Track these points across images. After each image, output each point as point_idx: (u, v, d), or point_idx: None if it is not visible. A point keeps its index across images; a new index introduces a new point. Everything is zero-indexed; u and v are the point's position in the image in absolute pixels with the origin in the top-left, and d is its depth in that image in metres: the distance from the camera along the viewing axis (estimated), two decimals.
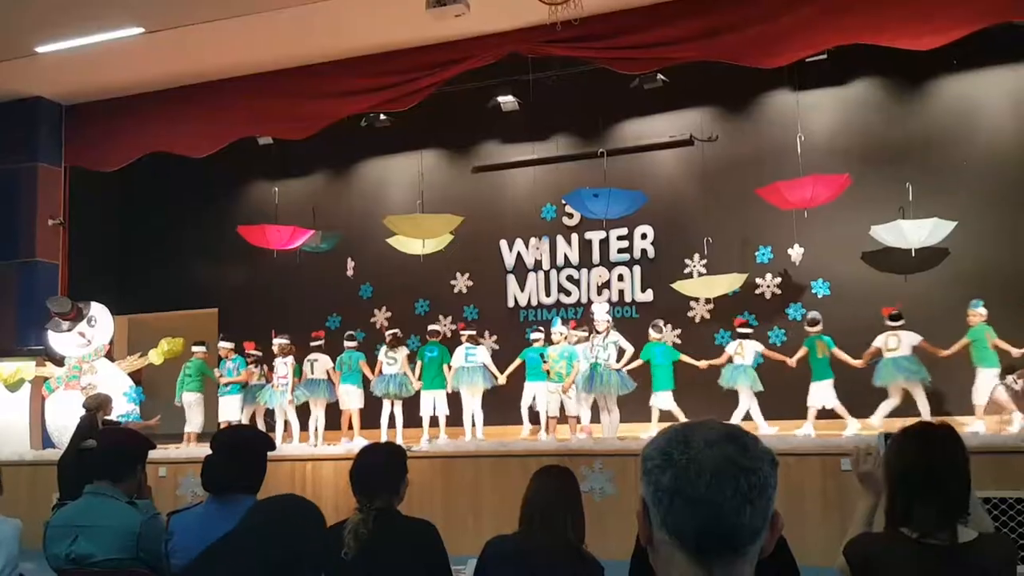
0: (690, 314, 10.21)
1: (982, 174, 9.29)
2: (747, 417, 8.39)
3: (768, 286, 10.08)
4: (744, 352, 8.65)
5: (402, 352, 9.07)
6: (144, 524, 3.04)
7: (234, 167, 11.57)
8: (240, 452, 2.95)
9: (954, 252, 9.21)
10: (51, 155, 10.95)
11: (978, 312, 8.06)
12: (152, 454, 8.48)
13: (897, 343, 8.13)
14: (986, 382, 7.81)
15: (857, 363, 8.28)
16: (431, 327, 9.30)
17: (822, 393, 8.26)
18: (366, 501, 2.87)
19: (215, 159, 10.56)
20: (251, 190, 12.33)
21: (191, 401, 9.53)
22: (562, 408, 8.59)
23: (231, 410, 9.37)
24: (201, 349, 9.69)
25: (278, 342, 9.21)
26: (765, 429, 8.30)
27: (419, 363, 9.05)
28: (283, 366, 9.15)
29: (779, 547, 2.32)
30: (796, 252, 9.61)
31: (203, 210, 12.23)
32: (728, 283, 9.52)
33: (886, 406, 8.09)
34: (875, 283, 9.51)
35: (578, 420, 8.72)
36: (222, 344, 9.63)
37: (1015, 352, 7.96)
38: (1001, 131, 9.43)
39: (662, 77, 9.74)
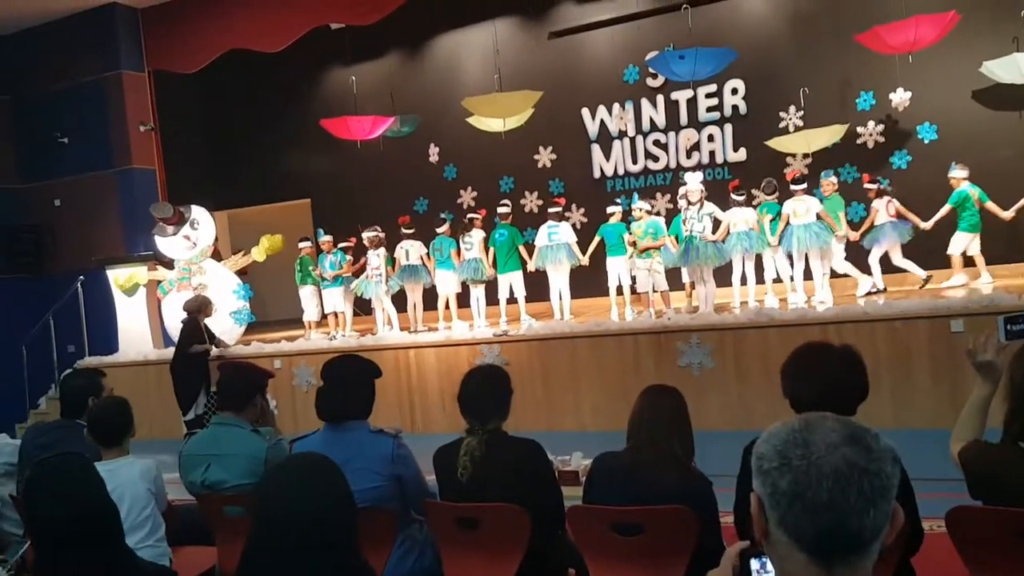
0: (787, 171, 9.80)
1: None
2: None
3: (871, 134, 9.53)
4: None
5: (477, 235, 9.06)
6: (269, 450, 3.25)
7: (310, 58, 11.49)
8: (350, 383, 3.08)
9: None
10: (133, 61, 11.07)
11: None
12: (265, 347, 8.98)
13: (806, 210, 7.92)
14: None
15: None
16: (500, 208, 9.20)
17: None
18: (477, 424, 2.97)
19: (291, 52, 10.46)
20: (329, 79, 12.25)
21: (305, 294, 9.91)
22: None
23: (335, 302, 9.69)
24: (306, 244, 9.97)
25: (367, 235, 9.34)
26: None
27: (491, 249, 9.02)
28: (375, 257, 9.32)
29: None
30: (900, 96, 8.98)
31: (286, 104, 12.29)
32: (828, 135, 9.03)
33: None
34: (987, 122, 8.87)
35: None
36: (324, 238, 9.85)
37: (1004, 215, 7.84)
38: None
39: None
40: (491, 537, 2.87)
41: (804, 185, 8.16)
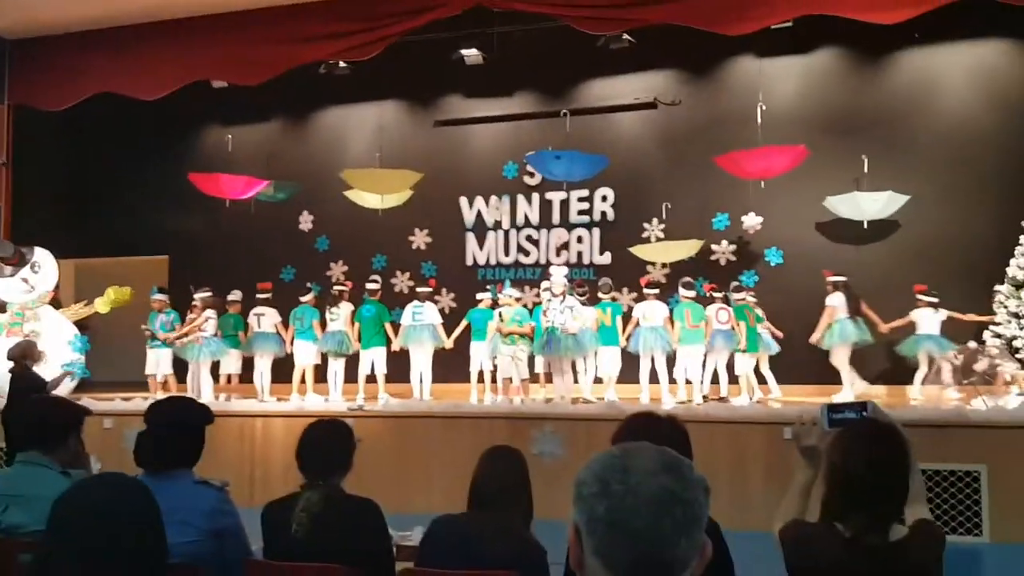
0: (643, 277, 10.25)
1: (937, 149, 9.40)
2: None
3: (724, 252, 10.15)
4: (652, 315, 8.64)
5: (345, 308, 8.96)
6: None
7: (188, 110, 11.19)
8: (177, 427, 2.87)
9: (905, 225, 9.35)
10: None
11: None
12: (97, 405, 8.33)
13: (653, 313, 8.51)
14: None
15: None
16: (368, 285, 9.17)
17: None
18: (314, 479, 2.84)
19: (168, 101, 10.17)
20: (205, 135, 11.96)
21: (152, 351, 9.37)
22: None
23: (157, 364, 9.14)
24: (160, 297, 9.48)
25: (199, 296, 9.02)
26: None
27: (357, 324, 8.91)
28: (205, 320, 9.02)
29: (712, 532, 2.36)
30: (751, 220, 9.67)
31: (155, 154, 11.82)
32: (685, 249, 9.56)
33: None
34: (828, 253, 9.62)
35: (530, 382, 8.76)
36: (156, 296, 9.34)
37: (965, 318, 8.32)
38: (958, 107, 9.53)
39: (628, 38, 9.61)
40: None
41: (656, 291, 8.63)
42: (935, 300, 8.29)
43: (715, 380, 8.63)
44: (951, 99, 9.58)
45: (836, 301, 8.29)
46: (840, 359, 8.31)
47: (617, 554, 1.09)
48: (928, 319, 8.23)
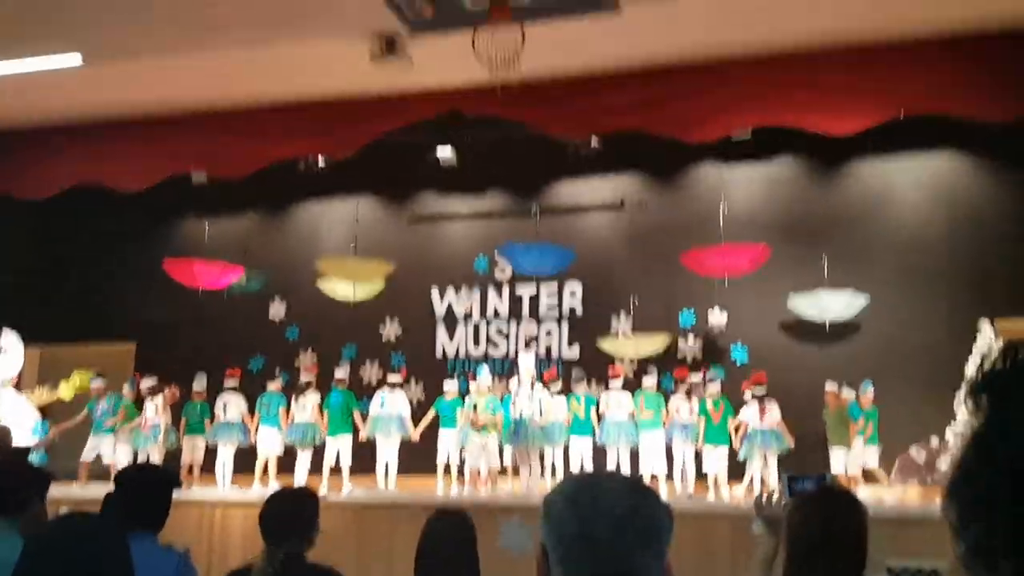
0: (610, 369, 10.32)
1: (893, 253, 9.75)
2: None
3: (690, 347, 10.30)
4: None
5: (313, 398, 8.94)
6: None
7: (165, 200, 11.33)
8: (143, 488, 2.87)
9: (865, 326, 9.58)
10: None
11: (869, 392, 8.70)
12: (54, 491, 8.09)
13: (618, 405, 8.68)
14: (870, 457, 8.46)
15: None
16: (337, 374, 9.18)
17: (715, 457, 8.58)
18: (275, 546, 2.80)
19: (147, 191, 10.31)
20: (181, 224, 12.07)
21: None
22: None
23: (99, 450, 9.06)
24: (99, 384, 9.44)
25: (145, 383, 9.03)
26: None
27: (324, 412, 8.91)
28: (151, 408, 8.93)
29: None
30: (717, 317, 9.87)
31: (129, 240, 11.85)
32: (652, 344, 9.70)
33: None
34: (792, 352, 9.80)
35: (500, 472, 8.69)
36: (96, 383, 9.30)
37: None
38: (912, 214, 9.95)
39: (595, 143, 10.02)
40: None
41: (619, 383, 8.84)
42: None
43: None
44: (905, 206, 10.01)
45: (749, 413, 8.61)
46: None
47: (583, 565, 1.14)
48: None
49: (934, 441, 8.32)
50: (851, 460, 8.47)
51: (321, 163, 10.64)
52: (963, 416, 6.06)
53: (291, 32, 7.81)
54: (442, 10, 6.69)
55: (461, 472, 8.80)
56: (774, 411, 8.58)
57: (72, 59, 8.75)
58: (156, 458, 8.84)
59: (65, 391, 9.51)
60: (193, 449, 9.21)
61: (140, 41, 8.31)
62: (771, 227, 9.97)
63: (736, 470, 8.82)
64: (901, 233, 9.86)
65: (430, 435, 9.02)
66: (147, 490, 2.87)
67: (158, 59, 8.72)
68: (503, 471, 8.82)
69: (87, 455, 9.05)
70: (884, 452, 8.80)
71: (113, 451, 9.07)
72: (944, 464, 8.22)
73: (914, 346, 9.36)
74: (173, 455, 9.21)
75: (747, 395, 8.86)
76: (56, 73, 9.00)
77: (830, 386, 8.76)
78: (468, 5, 6.52)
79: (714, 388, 8.83)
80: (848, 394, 8.74)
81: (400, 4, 6.67)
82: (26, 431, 8.96)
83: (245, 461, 9.18)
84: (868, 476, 8.66)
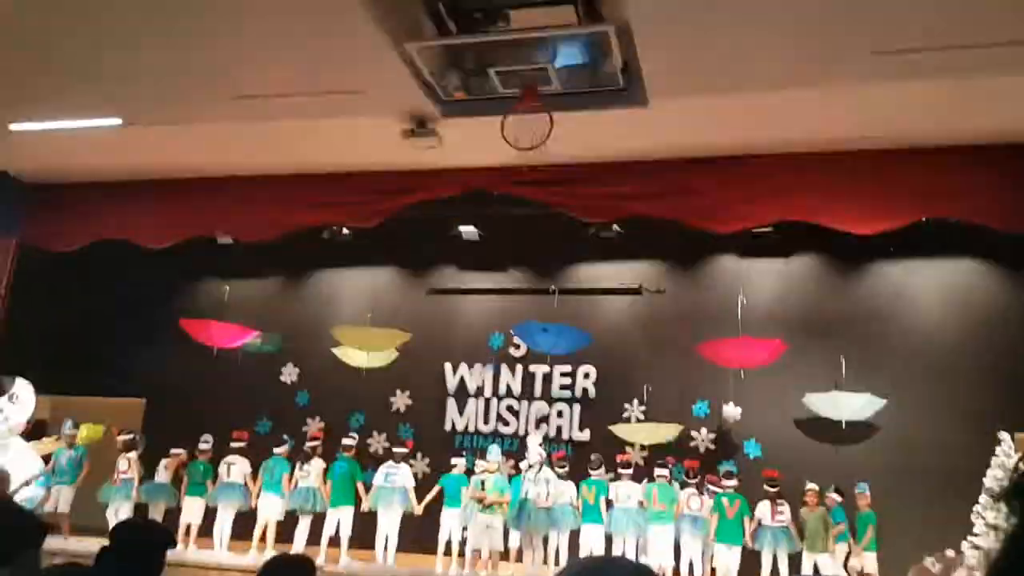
0: (622, 459, 10.18)
1: (912, 357, 9.67)
2: None
3: (703, 439, 10.16)
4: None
5: (317, 465, 8.88)
6: None
7: (188, 260, 11.52)
8: (136, 547, 2.83)
9: (883, 429, 9.44)
10: (7, 224, 10.79)
11: (866, 494, 8.51)
12: (50, 542, 8.00)
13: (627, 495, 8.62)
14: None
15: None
16: (344, 441, 9.14)
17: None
18: None
19: (170, 250, 10.50)
20: (201, 284, 12.23)
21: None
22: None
23: (56, 502, 9.08)
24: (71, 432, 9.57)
25: (121, 438, 9.09)
26: None
27: (328, 481, 8.83)
28: (124, 462, 9.05)
29: None
30: (731, 410, 9.77)
31: (148, 297, 12.01)
32: (665, 432, 9.59)
33: None
34: (807, 449, 9.64)
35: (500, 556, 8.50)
36: (67, 431, 9.57)
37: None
38: (931, 318, 9.90)
39: (617, 228, 10.14)
40: None
41: (630, 471, 8.72)
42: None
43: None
44: (924, 310, 9.98)
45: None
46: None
47: None
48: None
49: (949, 552, 8.06)
50: (834, 566, 8.26)
51: (345, 232, 10.80)
52: (981, 527, 5.92)
53: (326, 110, 8.02)
54: (473, 93, 6.89)
55: (462, 552, 8.62)
56: (786, 510, 8.40)
57: (112, 122, 9.03)
58: (125, 514, 8.85)
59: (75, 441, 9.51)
60: (193, 510, 9.10)
61: (177, 109, 8.55)
62: (789, 322, 9.96)
63: (747, 572, 8.60)
64: (918, 336, 9.80)
65: (432, 512, 8.88)
66: (142, 548, 2.84)
67: (193, 125, 8.99)
68: (505, 555, 8.63)
69: (49, 505, 9.04)
70: (894, 559, 8.53)
71: (67, 504, 9.10)
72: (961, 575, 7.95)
73: (930, 452, 9.18)
74: (171, 514, 9.13)
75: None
76: (95, 135, 9.27)
77: (811, 485, 8.58)
78: (499, 90, 6.71)
79: (730, 483, 8.67)
80: (835, 496, 8.56)
81: (434, 86, 6.88)
82: (30, 479, 8.91)
83: (244, 526, 9.06)
84: None
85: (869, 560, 8.42)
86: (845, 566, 8.31)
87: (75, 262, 11.71)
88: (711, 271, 10.78)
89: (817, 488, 8.61)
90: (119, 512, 8.88)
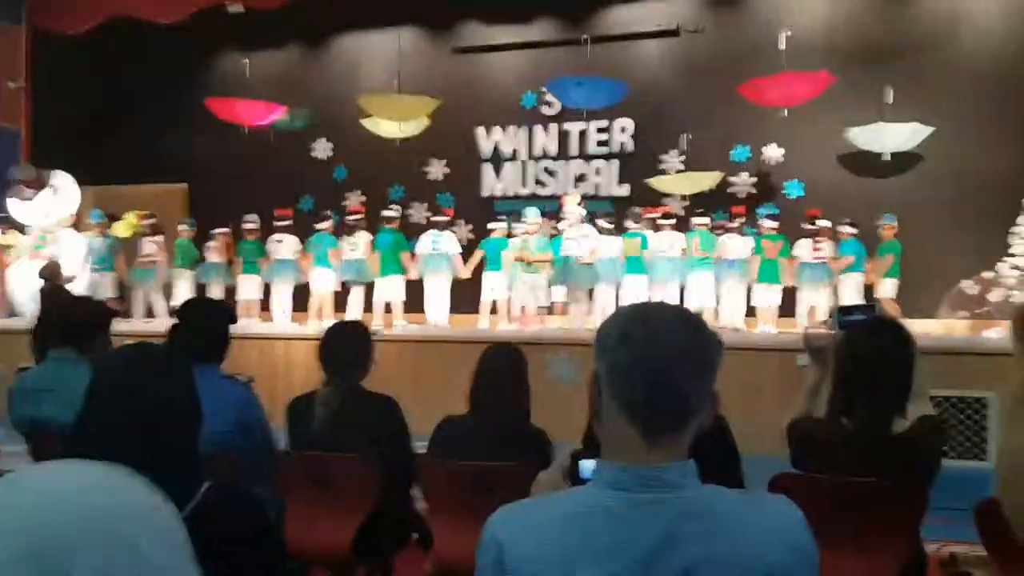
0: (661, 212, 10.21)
1: (964, 81, 9.21)
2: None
3: (743, 184, 10.09)
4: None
5: (363, 237, 9.06)
6: None
7: (204, 36, 11.14)
8: (205, 323, 2.98)
9: (928, 159, 9.24)
10: (10, 13, 10.44)
11: (892, 225, 8.55)
12: (121, 326, 8.51)
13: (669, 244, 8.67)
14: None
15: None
16: (385, 212, 9.25)
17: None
18: (335, 376, 2.95)
19: (185, 27, 10.13)
20: (221, 61, 11.91)
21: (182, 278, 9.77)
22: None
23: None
24: (184, 227, 9.85)
25: (147, 222, 9.29)
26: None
27: (375, 252, 9.03)
28: (150, 244, 9.30)
29: (719, 429, 2.45)
30: (772, 152, 9.59)
31: (174, 80, 11.76)
32: (704, 181, 9.51)
33: None
34: (850, 186, 9.55)
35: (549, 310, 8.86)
36: (94, 220, 9.71)
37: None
38: (988, 38, 9.30)
39: None
40: (339, 491, 2.84)
41: (672, 221, 8.78)
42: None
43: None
44: (981, 29, 9.35)
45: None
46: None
47: (635, 393, 1.17)
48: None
49: (987, 274, 8.21)
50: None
51: None
52: (1020, 247, 5.93)
53: None
54: None
55: (509, 311, 8.99)
56: (824, 246, 8.50)
57: None
58: (185, 294, 9.24)
59: (122, 229, 9.81)
60: (250, 287, 9.51)
61: None
62: (835, 53, 9.42)
63: (785, 309, 8.88)
64: (974, 61, 9.26)
65: (477, 276, 9.17)
66: (207, 322, 2.99)
67: None
68: (550, 310, 8.99)
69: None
70: (934, 286, 8.71)
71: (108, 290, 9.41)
72: (994, 296, 8.14)
73: (978, 179, 9.03)
74: (230, 293, 9.56)
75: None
76: None
77: (887, 220, 8.65)
78: None
79: (770, 223, 8.72)
80: (848, 229, 8.68)
81: None
82: (84, 269, 9.35)
83: (300, 299, 9.48)
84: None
85: (888, 286, 8.57)
86: (867, 296, 8.46)
87: (92, 48, 11.42)
88: (752, 3, 10.12)
89: (891, 224, 8.62)
90: (175, 293, 9.27)
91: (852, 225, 8.66)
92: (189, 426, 1.67)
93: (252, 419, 2.93)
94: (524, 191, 10.91)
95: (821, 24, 9.81)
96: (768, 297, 8.62)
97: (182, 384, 1.67)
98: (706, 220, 8.91)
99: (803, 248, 8.62)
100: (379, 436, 2.88)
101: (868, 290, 8.69)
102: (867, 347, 2.36)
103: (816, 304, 8.47)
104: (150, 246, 9.31)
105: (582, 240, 8.24)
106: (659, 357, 1.17)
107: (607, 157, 10.63)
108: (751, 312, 8.84)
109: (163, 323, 8.23)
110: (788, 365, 6.77)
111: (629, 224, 8.86)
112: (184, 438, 1.64)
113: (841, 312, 2.65)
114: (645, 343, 1.18)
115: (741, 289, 8.64)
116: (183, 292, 9.47)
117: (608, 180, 10.61)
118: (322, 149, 11.53)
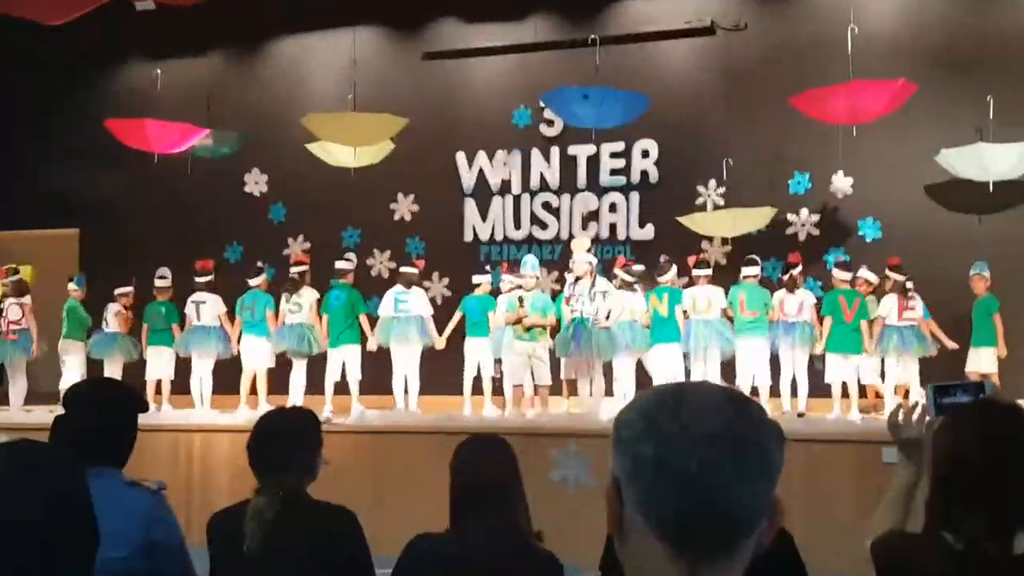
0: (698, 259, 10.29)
1: None
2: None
3: (803, 224, 10.19)
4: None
5: (309, 296, 9.10)
6: None
7: (105, 41, 11.33)
8: (102, 413, 2.95)
9: None
10: None
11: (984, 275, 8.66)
12: None
13: (707, 303, 8.71)
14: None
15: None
16: (337, 264, 9.31)
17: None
18: (271, 481, 2.92)
19: (81, 30, 10.25)
20: (127, 71, 12.09)
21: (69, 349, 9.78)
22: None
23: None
24: (74, 288, 9.87)
25: (10, 279, 9.33)
26: None
27: (324, 316, 9.10)
28: (15, 309, 9.33)
29: (783, 548, 2.42)
30: (840, 182, 9.71)
31: (64, 95, 11.93)
32: (751, 219, 9.60)
33: None
34: (940, 224, 9.65)
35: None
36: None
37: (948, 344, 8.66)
38: None
39: None
40: None
41: (708, 272, 8.83)
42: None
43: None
44: None
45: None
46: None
47: (665, 506, 1.14)
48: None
49: None
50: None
51: None
52: None
53: None
54: None
55: (496, 389, 8.96)
56: (918, 305, 8.52)
57: None
58: (16, 373, 9.29)
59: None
60: (160, 362, 9.49)
61: None
62: (916, 55, 9.68)
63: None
64: None
65: (457, 344, 9.17)
66: (105, 411, 2.96)
67: None
68: (554, 389, 8.98)
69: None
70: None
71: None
72: None
73: None
74: (135, 370, 9.53)
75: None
76: None
77: (978, 269, 8.69)
78: None
79: (842, 275, 8.76)
80: (868, 277, 8.92)
81: None
82: None
83: (227, 377, 9.45)
84: None
85: (986, 358, 8.59)
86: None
87: None
88: None
89: (985, 272, 8.71)
90: (63, 371, 9.26)
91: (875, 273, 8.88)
92: (79, 552, 1.65)
93: (163, 538, 2.89)
94: (518, 234, 11.01)
95: (896, 20, 10.04)
96: (843, 372, 8.60)
97: (69, 495, 1.66)
98: (756, 270, 8.95)
99: (888, 306, 8.61)
100: (329, 561, 2.84)
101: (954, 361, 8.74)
102: (976, 438, 2.35)
103: (907, 381, 8.46)
104: (15, 311, 9.28)
105: (594, 297, 8.26)
106: (697, 455, 1.15)
107: (625, 189, 10.75)
108: (819, 391, 8.84)
109: (46, 413, 8.22)
110: (871, 461, 6.76)
111: (656, 277, 8.88)
112: (72, 568, 1.62)
113: (938, 392, 2.63)
114: (678, 436, 1.15)
115: (805, 360, 8.64)
116: (73, 371, 9.44)
117: (627, 219, 10.72)
118: (255, 183, 11.63)
